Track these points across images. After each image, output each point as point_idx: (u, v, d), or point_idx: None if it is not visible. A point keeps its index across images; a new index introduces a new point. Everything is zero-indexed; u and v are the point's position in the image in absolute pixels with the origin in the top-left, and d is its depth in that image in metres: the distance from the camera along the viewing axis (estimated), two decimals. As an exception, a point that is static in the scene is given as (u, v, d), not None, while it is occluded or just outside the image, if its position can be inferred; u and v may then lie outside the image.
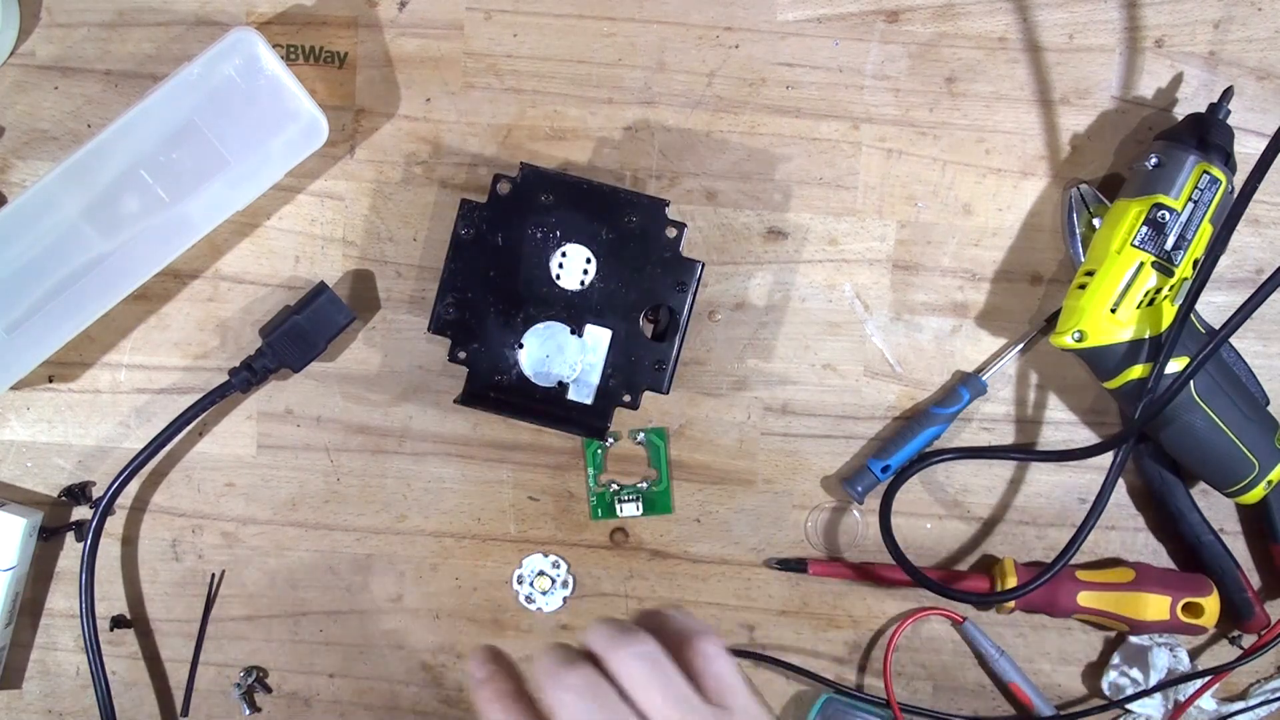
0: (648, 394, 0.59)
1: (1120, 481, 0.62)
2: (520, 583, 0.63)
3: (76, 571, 0.61)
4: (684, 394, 0.62)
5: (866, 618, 0.64)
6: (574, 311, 0.58)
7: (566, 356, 0.58)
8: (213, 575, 0.63)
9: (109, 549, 0.63)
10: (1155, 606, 0.59)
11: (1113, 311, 0.55)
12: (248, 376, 0.60)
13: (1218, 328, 0.55)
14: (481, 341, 0.58)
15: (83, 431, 0.62)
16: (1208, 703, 0.62)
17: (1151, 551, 0.63)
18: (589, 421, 0.59)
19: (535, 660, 0.36)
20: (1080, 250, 0.59)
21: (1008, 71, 0.60)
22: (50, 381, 0.62)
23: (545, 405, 0.59)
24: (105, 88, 0.60)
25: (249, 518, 0.63)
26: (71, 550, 0.63)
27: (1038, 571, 0.59)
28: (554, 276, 0.58)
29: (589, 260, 0.58)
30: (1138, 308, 0.55)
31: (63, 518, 0.63)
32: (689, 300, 0.58)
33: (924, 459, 0.61)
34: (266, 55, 0.55)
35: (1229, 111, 0.57)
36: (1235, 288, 0.61)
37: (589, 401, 0.58)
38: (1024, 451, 0.62)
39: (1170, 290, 0.55)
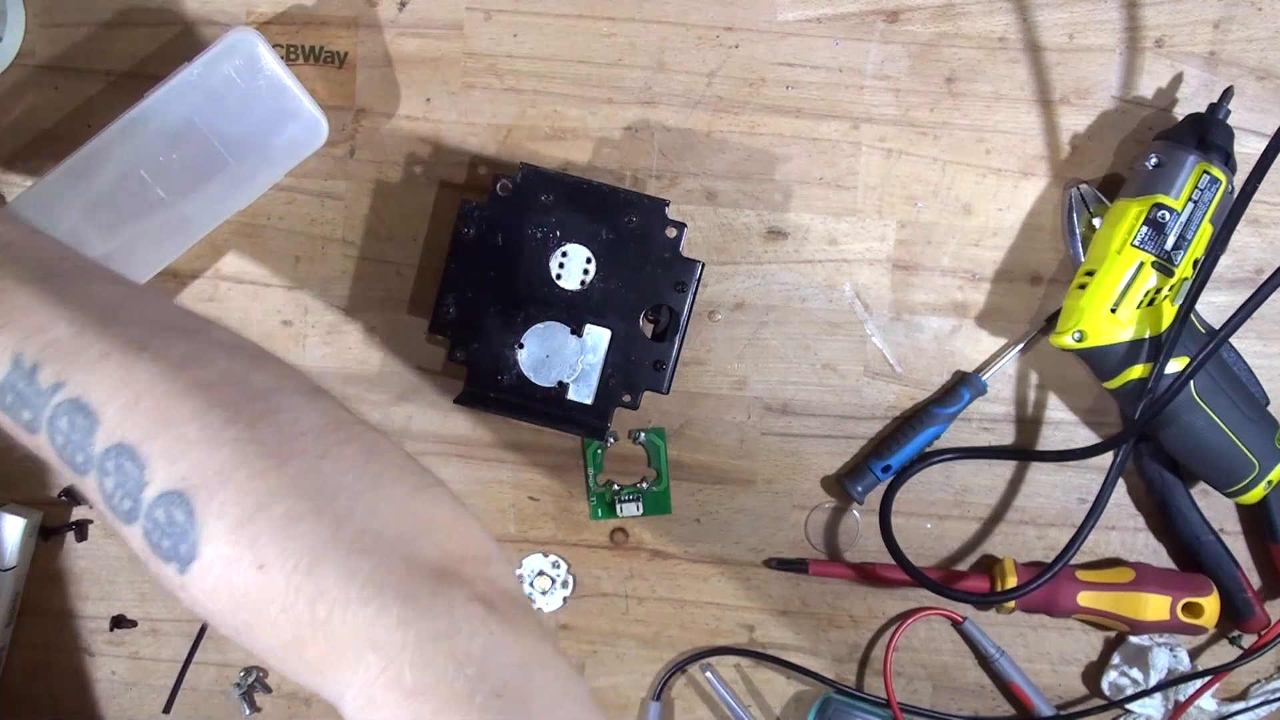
0: (648, 394, 0.59)
1: (1120, 481, 0.62)
2: (520, 582, 0.63)
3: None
4: (684, 394, 0.62)
5: (866, 618, 0.64)
6: (574, 311, 0.58)
7: (566, 356, 0.58)
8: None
9: (109, 549, 0.63)
10: (1155, 606, 0.59)
11: (1113, 311, 0.55)
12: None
13: (1218, 328, 0.55)
14: (481, 341, 0.58)
15: (83, 431, 0.62)
16: (1208, 703, 0.62)
17: (1151, 551, 0.63)
18: (589, 421, 0.59)
19: None
20: (1080, 250, 0.59)
21: (1008, 71, 0.60)
22: (50, 381, 0.62)
23: (545, 405, 0.58)
24: (105, 88, 0.60)
25: (249, 518, 0.63)
26: (71, 550, 0.63)
27: (1038, 571, 0.59)
28: (554, 276, 0.58)
29: (589, 260, 0.58)
30: (1138, 308, 0.55)
31: (63, 518, 0.63)
32: (689, 300, 0.58)
33: (924, 459, 0.61)
34: (266, 55, 0.55)
35: (1229, 111, 0.57)
36: (1235, 288, 0.61)
37: (589, 401, 0.58)
38: (1024, 451, 0.62)
39: (1170, 290, 0.55)
